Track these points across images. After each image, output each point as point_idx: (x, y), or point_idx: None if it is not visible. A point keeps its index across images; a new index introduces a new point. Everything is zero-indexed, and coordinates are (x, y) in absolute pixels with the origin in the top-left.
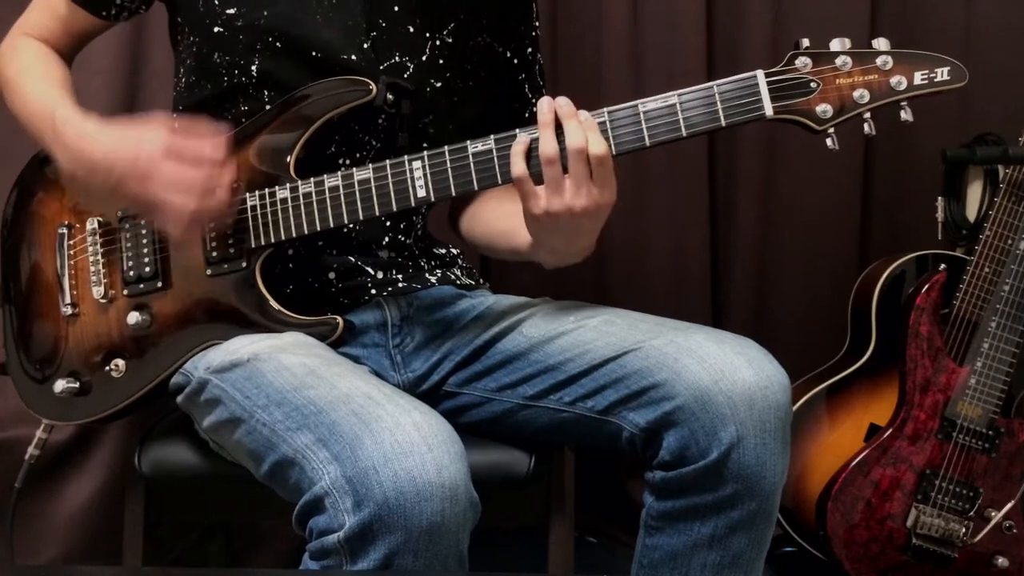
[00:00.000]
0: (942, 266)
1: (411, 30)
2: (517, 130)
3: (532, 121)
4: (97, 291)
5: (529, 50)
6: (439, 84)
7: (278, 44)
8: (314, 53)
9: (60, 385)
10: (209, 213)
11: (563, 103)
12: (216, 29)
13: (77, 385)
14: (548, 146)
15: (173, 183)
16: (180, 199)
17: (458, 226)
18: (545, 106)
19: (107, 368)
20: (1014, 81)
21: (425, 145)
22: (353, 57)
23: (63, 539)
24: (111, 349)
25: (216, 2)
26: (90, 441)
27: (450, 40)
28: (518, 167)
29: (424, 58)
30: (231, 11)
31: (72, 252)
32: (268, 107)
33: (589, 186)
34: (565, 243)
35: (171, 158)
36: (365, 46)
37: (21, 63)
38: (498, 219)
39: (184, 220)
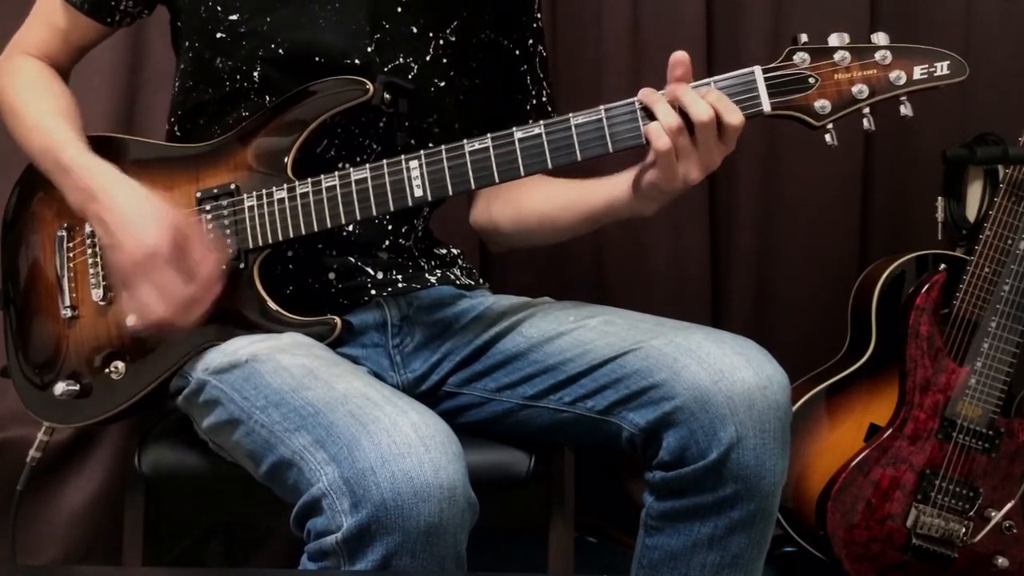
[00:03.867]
0: (942, 266)
1: (414, 31)
2: (513, 129)
3: (534, 113)
4: (96, 293)
5: (530, 41)
6: (443, 84)
7: (280, 51)
8: (317, 58)
9: (60, 388)
10: (174, 328)
11: (677, 87)
12: (219, 35)
13: (77, 387)
14: (671, 119)
15: (160, 287)
16: (157, 304)
17: (495, 224)
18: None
19: (107, 370)
20: (1014, 81)
21: (431, 145)
22: (357, 61)
23: (63, 539)
24: (111, 351)
25: (219, 8)
26: (90, 442)
27: (453, 39)
28: (662, 141)
29: (428, 58)
30: (233, 17)
31: (71, 254)
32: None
33: (719, 146)
34: (681, 191)
35: (171, 261)
36: (369, 49)
37: (23, 89)
38: (556, 195)
39: (149, 321)
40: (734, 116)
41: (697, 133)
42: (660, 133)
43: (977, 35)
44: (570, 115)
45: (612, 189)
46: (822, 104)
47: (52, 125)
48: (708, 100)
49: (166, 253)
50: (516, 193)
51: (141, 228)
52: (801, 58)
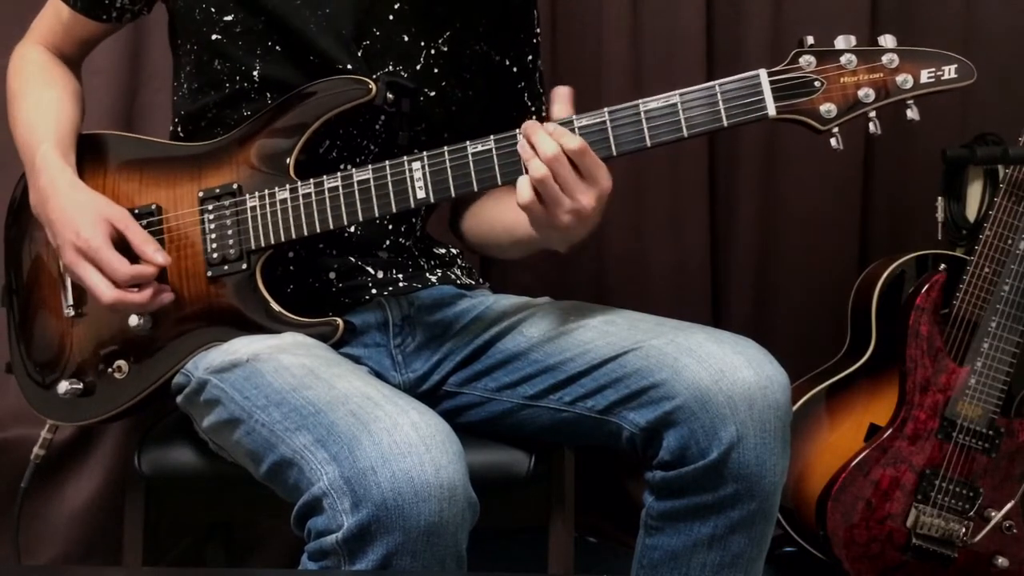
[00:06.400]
0: (942, 266)
1: (406, 39)
2: (517, 131)
3: None
4: None
5: (529, 58)
6: (433, 93)
7: (278, 48)
8: (312, 58)
9: (64, 387)
10: (125, 306)
11: (528, 126)
12: (215, 36)
13: (81, 386)
14: (537, 170)
15: (106, 269)
16: (105, 287)
17: (459, 229)
18: (522, 142)
19: (110, 369)
20: (1014, 81)
21: (417, 151)
22: (348, 66)
23: (63, 539)
24: (113, 350)
25: (213, 10)
26: (90, 441)
27: (445, 48)
28: (525, 195)
29: (419, 67)
30: (228, 18)
31: None
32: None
33: (583, 184)
34: (578, 234)
35: (106, 246)
36: (358, 55)
37: (24, 80)
38: (499, 215)
39: (104, 302)
40: (572, 141)
41: (555, 172)
42: (526, 188)
43: (977, 35)
44: (573, 117)
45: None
46: (828, 108)
47: (36, 121)
48: (550, 132)
49: (103, 239)
50: (481, 203)
51: (77, 221)
52: (807, 61)
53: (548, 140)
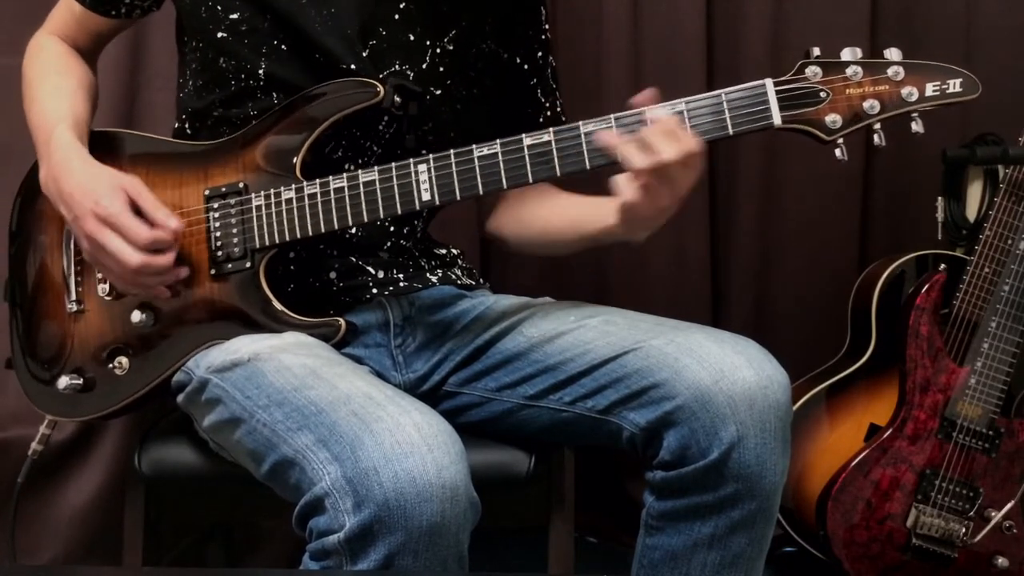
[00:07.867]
0: (942, 266)
1: (411, 38)
2: (523, 135)
3: (545, 126)
4: (102, 288)
5: (539, 54)
6: (439, 92)
7: (283, 47)
8: (317, 56)
9: (64, 382)
10: (152, 270)
11: (665, 121)
12: (220, 34)
13: (81, 382)
14: (636, 161)
15: (125, 233)
16: (129, 253)
17: (497, 232)
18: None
19: (111, 366)
20: (1014, 81)
21: (424, 152)
22: (353, 66)
23: (63, 539)
24: (115, 347)
25: (219, 8)
26: (90, 441)
27: (451, 47)
28: (631, 194)
29: (424, 66)
30: (234, 16)
31: (78, 250)
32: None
33: (687, 173)
34: (660, 223)
35: (127, 211)
36: (364, 54)
37: (40, 67)
38: (561, 212)
39: (126, 273)
40: (691, 143)
41: (669, 168)
42: (631, 189)
43: (977, 35)
44: (580, 123)
45: (606, 218)
46: (833, 119)
47: (51, 105)
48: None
49: (122, 205)
50: (520, 205)
51: (96, 190)
52: (813, 71)
53: (672, 147)
